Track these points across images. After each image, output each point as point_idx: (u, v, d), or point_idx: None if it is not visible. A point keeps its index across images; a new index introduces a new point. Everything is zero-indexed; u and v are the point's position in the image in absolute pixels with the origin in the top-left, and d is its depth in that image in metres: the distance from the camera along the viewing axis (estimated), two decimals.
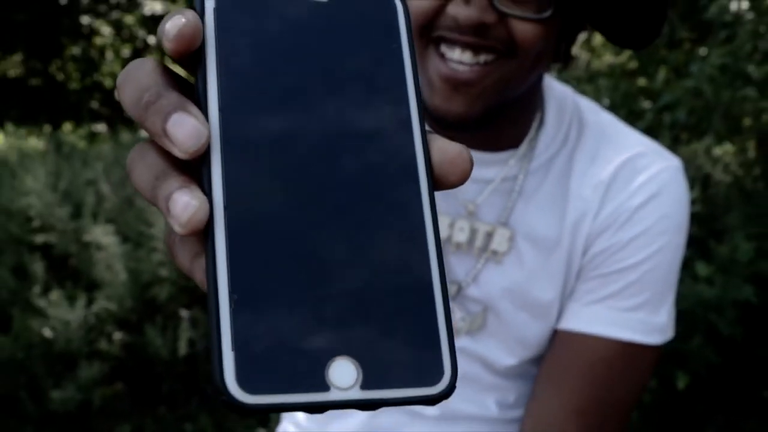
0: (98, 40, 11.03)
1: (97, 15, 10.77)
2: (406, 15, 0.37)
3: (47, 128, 8.94)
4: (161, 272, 2.96)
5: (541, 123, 0.99)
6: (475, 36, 0.82)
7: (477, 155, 0.97)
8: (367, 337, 0.31)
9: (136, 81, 0.35)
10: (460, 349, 1.01)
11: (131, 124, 10.50)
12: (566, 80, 2.93)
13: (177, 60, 0.35)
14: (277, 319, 0.30)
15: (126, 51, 11.40)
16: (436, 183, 0.36)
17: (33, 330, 2.86)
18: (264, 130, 0.33)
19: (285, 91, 0.34)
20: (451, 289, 0.99)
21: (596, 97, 3.02)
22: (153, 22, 11.38)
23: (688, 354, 2.42)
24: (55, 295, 2.89)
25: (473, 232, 0.97)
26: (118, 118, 10.88)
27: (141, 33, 11.39)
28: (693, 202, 0.93)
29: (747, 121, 3.00)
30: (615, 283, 0.95)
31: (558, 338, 0.99)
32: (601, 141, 0.99)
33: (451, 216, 0.98)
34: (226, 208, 0.31)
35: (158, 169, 0.34)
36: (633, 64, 3.42)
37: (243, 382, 0.29)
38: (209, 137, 0.33)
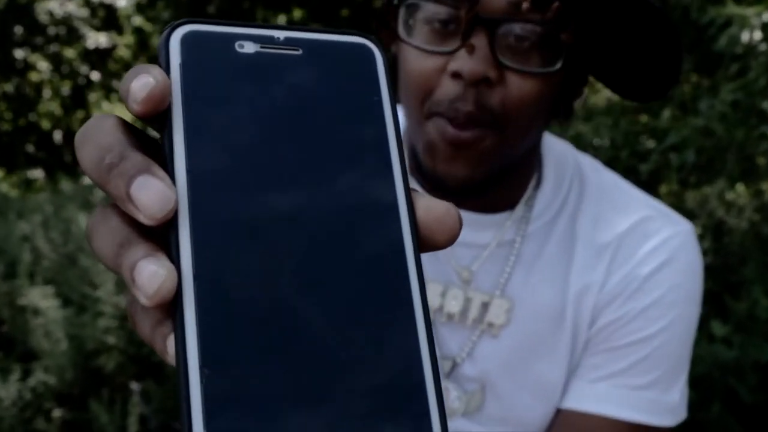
0: (34, 76, 11.04)
1: (33, 48, 10.79)
2: (385, 64, 0.38)
3: None
4: (108, 339, 2.92)
5: (539, 183, 1.01)
6: (474, 105, 0.84)
7: (471, 217, 0.98)
8: (351, 419, 0.31)
9: (96, 140, 0.36)
10: (456, 430, 1.00)
11: (72, 171, 10.45)
12: None
13: (141, 119, 0.36)
14: (251, 394, 0.30)
15: (66, 88, 11.42)
16: (423, 245, 0.37)
17: None
18: (236, 194, 0.34)
19: (259, 152, 0.35)
20: (445, 366, 0.99)
21: (595, 136, 3.06)
22: (97, 56, 11.42)
23: (706, 424, 2.42)
24: None
25: (467, 302, 0.98)
26: (56, 163, 10.85)
27: (83, 68, 11.44)
28: (705, 252, 0.94)
29: (762, 161, 3.05)
30: (624, 359, 0.96)
31: (561, 418, 0.98)
32: (605, 203, 1.00)
33: (443, 284, 0.99)
34: (195, 277, 0.32)
35: (122, 236, 0.35)
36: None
37: None
38: (177, 202, 0.33)
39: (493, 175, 0.91)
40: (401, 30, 0.88)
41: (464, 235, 0.95)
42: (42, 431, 2.82)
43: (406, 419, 0.32)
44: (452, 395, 0.99)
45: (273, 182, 0.34)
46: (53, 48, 10.88)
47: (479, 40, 0.83)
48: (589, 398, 0.96)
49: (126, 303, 0.38)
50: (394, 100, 0.38)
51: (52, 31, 10.77)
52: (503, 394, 0.99)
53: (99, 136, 0.36)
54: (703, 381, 2.50)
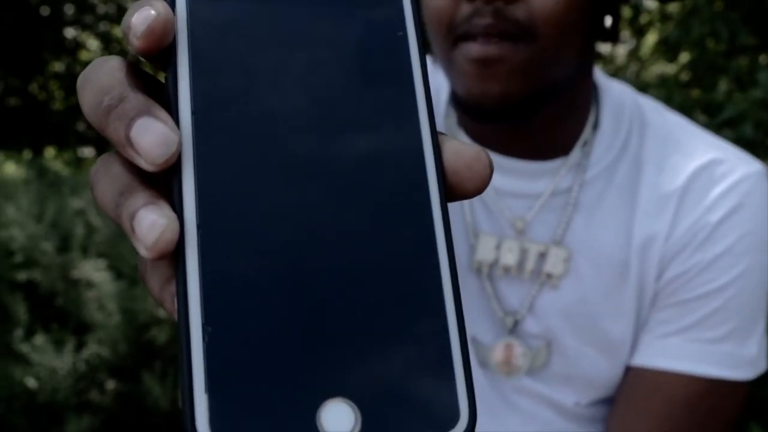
0: (84, 55, 11.15)
1: (84, 27, 10.89)
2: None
3: (28, 153, 9.02)
4: (159, 312, 2.94)
5: (596, 125, 0.97)
6: (494, 18, 0.83)
7: (522, 165, 0.96)
8: (367, 374, 0.29)
9: (96, 82, 0.34)
10: (521, 389, 0.99)
11: None
12: None
13: (145, 57, 0.33)
14: (258, 355, 0.28)
15: None
16: (450, 192, 0.34)
17: (14, 379, 2.84)
18: (244, 136, 0.31)
19: (271, 92, 0.32)
20: (507, 322, 0.97)
21: None
22: None
23: (763, 401, 2.37)
24: (40, 339, 2.88)
25: (523, 253, 0.95)
26: (105, 141, 10.94)
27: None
28: None
29: None
30: (696, 312, 0.92)
31: (631, 376, 0.96)
32: (669, 146, 0.97)
33: (497, 236, 0.96)
34: (199, 227, 0.30)
35: (123, 184, 0.33)
36: (686, 75, 3.40)
37: (219, 430, 0.27)
38: (180, 145, 0.31)
39: (532, 93, 0.88)
40: None
41: (516, 184, 0.95)
42: (96, 402, 2.85)
43: (429, 369, 0.29)
44: (517, 351, 0.97)
45: (286, 124, 0.32)
46: (102, 27, 10.97)
47: None
48: (660, 354, 0.93)
49: (138, 262, 0.36)
50: (422, 37, 0.35)
51: (101, 9, 10.86)
52: (567, 351, 0.97)
53: (99, 77, 0.34)
54: None
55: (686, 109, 3.05)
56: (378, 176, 0.32)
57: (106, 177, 0.34)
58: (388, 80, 0.33)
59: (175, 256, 0.30)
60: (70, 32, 10.77)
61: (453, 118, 1.01)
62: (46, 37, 10.42)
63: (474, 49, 0.85)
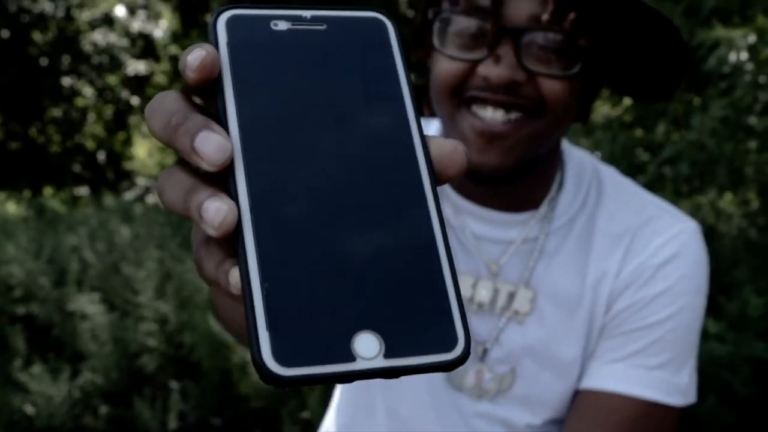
0: (80, 102, 11.12)
1: (79, 76, 10.88)
2: (396, 31, 0.43)
3: (27, 193, 8.96)
4: (149, 342, 2.94)
5: (561, 185, 1.03)
6: (506, 94, 0.87)
7: (499, 216, 1.01)
8: (387, 312, 0.36)
9: (163, 108, 0.40)
10: (481, 413, 1.01)
11: (114, 188, 10.52)
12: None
13: (195, 89, 0.40)
14: (304, 301, 0.35)
15: (108, 112, 11.50)
16: (438, 177, 0.41)
17: (13, 406, 2.82)
18: (279, 143, 0.38)
19: (295, 109, 0.39)
20: (477, 351, 1.01)
21: (594, 150, 3.05)
22: (136, 82, 11.49)
23: (701, 416, 2.41)
24: (38, 368, 2.87)
25: (496, 292, 1.00)
26: (100, 181, 10.91)
27: (124, 94, 11.51)
28: None
29: (749, 172, 3.03)
30: (639, 341, 0.97)
31: (580, 398, 0.99)
32: (621, 202, 1.03)
33: (474, 276, 1.01)
34: (251, 210, 0.36)
35: (188, 185, 0.39)
36: (630, 116, 3.46)
37: (279, 358, 0.33)
38: (232, 150, 0.37)
39: (521, 165, 0.93)
40: (435, 41, 0.90)
41: (493, 232, 1.00)
42: (90, 426, 2.83)
43: (432, 306, 0.37)
44: (486, 376, 1.01)
45: (310, 131, 0.39)
46: (97, 75, 10.96)
47: (505, 49, 0.86)
48: (607, 378, 0.97)
49: (193, 252, 0.42)
50: (407, 63, 0.42)
51: (95, 60, 10.86)
52: (527, 374, 1.01)
53: (165, 104, 0.40)
54: (699, 375, 2.48)
55: (630, 147, 3.11)
56: (385, 167, 0.39)
57: (171, 182, 0.40)
58: (385, 96, 0.41)
59: (235, 233, 0.36)
60: (66, 81, 10.75)
61: None
62: (44, 85, 10.41)
63: (479, 124, 0.88)
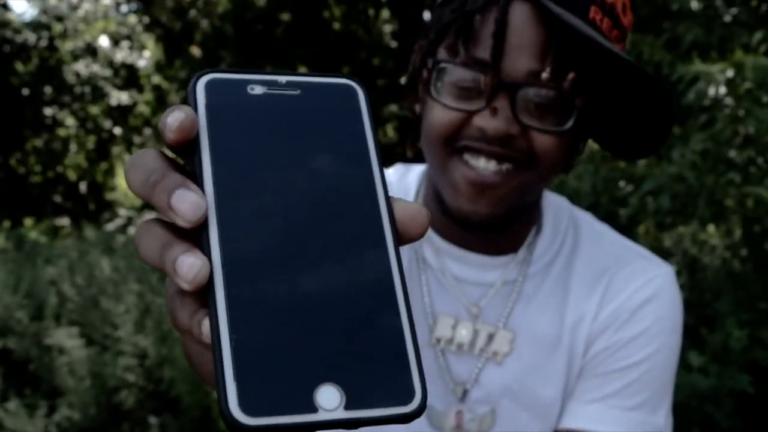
0: (62, 132, 11.10)
1: (61, 106, 10.87)
2: (366, 97, 0.45)
3: (7, 223, 8.90)
4: (128, 377, 2.90)
5: (539, 230, 1.05)
6: (500, 146, 0.88)
7: (479, 259, 1.02)
8: (348, 365, 0.37)
9: (143, 165, 0.42)
10: None
11: (95, 219, 10.47)
12: None
13: (174, 149, 0.42)
14: (270, 353, 0.37)
15: (90, 142, 11.47)
16: (401, 237, 0.43)
17: None
18: (251, 202, 0.40)
19: (268, 170, 0.41)
20: (457, 392, 1.01)
21: (577, 183, 3.07)
22: (119, 113, 11.50)
23: None
24: (13, 404, 2.82)
25: (476, 334, 1.01)
26: (81, 212, 10.86)
27: (106, 124, 11.50)
28: (681, 288, 0.99)
29: (730, 204, 3.05)
30: (616, 382, 0.98)
31: None
32: (598, 247, 1.06)
33: (454, 318, 1.02)
34: (223, 265, 0.38)
35: (164, 240, 0.41)
36: None
37: (244, 407, 0.35)
38: (207, 208, 0.39)
39: (511, 212, 0.94)
40: (431, 89, 0.91)
41: (473, 274, 1.02)
42: None
43: (391, 361, 0.38)
44: (466, 417, 1.01)
45: (280, 192, 0.41)
46: (79, 105, 10.96)
47: (502, 103, 0.86)
48: (584, 418, 0.98)
49: (166, 302, 0.44)
50: (375, 128, 0.44)
51: (78, 90, 10.87)
52: (507, 414, 1.02)
53: (145, 161, 0.42)
54: (683, 409, 2.48)
55: (612, 180, 3.12)
56: (349, 226, 0.41)
57: (148, 236, 0.42)
58: (353, 158, 0.43)
59: (206, 286, 0.38)
60: (48, 111, 10.73)
61: None
62: (26, 115, 10.39)
63: (472, 174, 0.89)
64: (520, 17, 0.85)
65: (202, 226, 0.39)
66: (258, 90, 0.43)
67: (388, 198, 0.43)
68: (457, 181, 0.91)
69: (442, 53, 0.90)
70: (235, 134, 0.41)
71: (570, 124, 0.89)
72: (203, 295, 0.39)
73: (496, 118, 0.87)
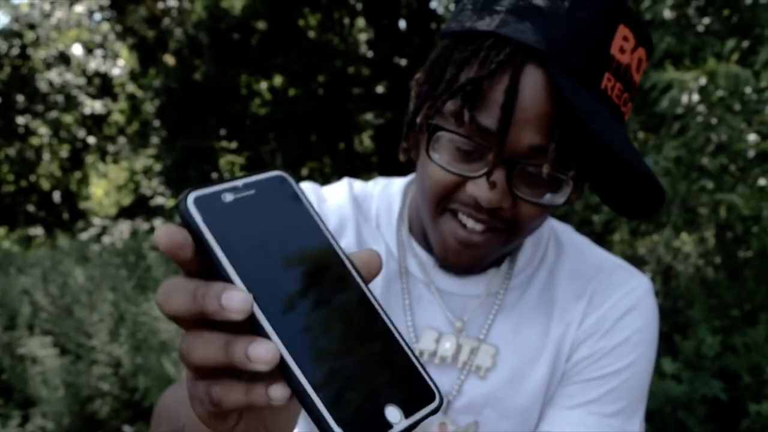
0: (35, 141, 11.00)
1: (34, 115, 10.78)
2: (296, 182, 0.56)
3: None
4: (102, 386, 2.88)
5: (520, 245, 1.08)
6: (488, 215, 0.91)
7: (465, 277, 1.06)
8: (392, 387, 0.49)
9: (181, 288, 0.48)
10: None
11: (69, 228, 10.37)
12: None
13: (184, 268, 0.49)
14: (345, 392, 0.48)
15: (64, 151, 11.38)
16: (365, 278, 0.53)
17: None
18: (272, 284, 0.49)
19: (267, 256, 0.50)
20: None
21: None
22: (93, 121, 11.42)
23: None
24: None
25: (459, 348, 1.04)
26: (55, 221, 10.76)
27: (80, 133, 11.42)
28: (656, 294, 1.01)
29: (703, 212, 3.09)
30: (597, 389, 1.01)
31: None
32: (580, 259, 1.09)
33: (437, 331, 1.04)
34: (282, 341, 0.47)
35: (222, 339, 0.47)
36: None
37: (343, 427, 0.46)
38: (252, 300, 0.47)
39: (494, 261, 1.01)
40: (430, 149, 0.91)
41: (458, 288, 1.06)
42: None
43: (411, 378, 0.51)
44: (450, 429, 1.04)
45: (285, 268, 0.51)
46: (52, 114, 10.88)
47: (499, 175, 0.87)
48: (565, 423, 1.01)
49: (189, 391, 0.54)
50: (310, 202, 0.55)
51: (51, 98, 10.78)
52: (489, 423, 1.04)
53: (179, 285, 0.48)
54: (656, 415, 2.50)
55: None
56: (337, 281, 0.52)
57: (200, 341, 0.48)
58: (312, 233, 0.54)
59: (280, 362, 0.47)
60: (21, 120, 10.63)
61: (404, 229, 1.08)
62: None
63: (461, 233, 0.93)
64: (530, 88, 0.84)
65: (252, 316, 0.47)
66: (229, 197, 0.52)
67: (344, 252, 0.55)
68: (446, 236, 0.95)
69: (449, 120, 0.89)
70: (235, 236, 0.50)
71: (562, 199, 0.90)
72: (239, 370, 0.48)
73: (492, 191, 0.87)
